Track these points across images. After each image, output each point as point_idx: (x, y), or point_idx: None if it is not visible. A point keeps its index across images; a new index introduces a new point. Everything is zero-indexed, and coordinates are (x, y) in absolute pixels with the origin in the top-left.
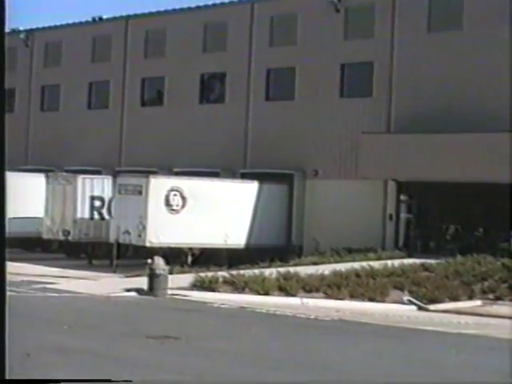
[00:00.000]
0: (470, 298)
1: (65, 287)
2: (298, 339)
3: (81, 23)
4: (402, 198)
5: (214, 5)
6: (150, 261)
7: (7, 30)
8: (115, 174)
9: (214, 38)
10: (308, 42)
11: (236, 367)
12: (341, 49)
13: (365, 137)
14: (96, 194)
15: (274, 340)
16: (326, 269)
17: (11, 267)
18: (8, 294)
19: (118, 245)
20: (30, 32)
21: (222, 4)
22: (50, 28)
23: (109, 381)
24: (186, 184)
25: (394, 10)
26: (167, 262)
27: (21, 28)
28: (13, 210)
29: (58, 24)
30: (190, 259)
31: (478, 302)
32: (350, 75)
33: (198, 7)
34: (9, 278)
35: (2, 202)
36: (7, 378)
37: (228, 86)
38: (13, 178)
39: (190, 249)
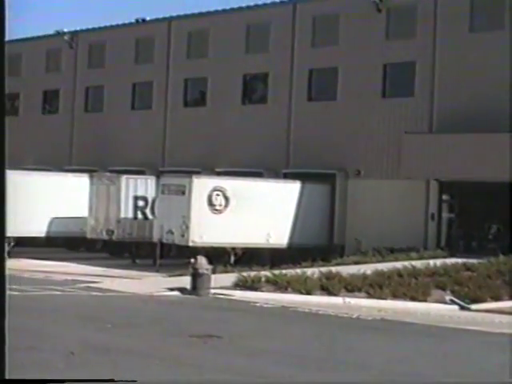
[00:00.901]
0: None
1: (108, 286)
2: (339, 339)
3: (124, 25)
4: (444, 197)
5: (257, 6)
6: (192, 260)
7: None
8: (158, 174)
9: (256, 39)
10: (350, 42)
11: (278, 367)
12: (383, 49)
13: (407, 137)
14: (139, 193)
15: (315, 339)
16: (368, 268)
17: (56, 266)
18: (52, 293)
19: (162, 244)
20: (74, 34)
21: (265, 5)
22: (93, 30)
23: (112, 380)
24: (229, 184)
25: (435, 10)
26: (210, 262)
27: (65, 30)
28: (57, 210)
29: (101, 26)
30: (232, 259)
31: None
32: (392, 75)
33: (241, 8)
34: (53, 277)
35: (2, 202)
36: (17, 377)
37: (270, 86)
38: (57, 179)
39: (233, 248)
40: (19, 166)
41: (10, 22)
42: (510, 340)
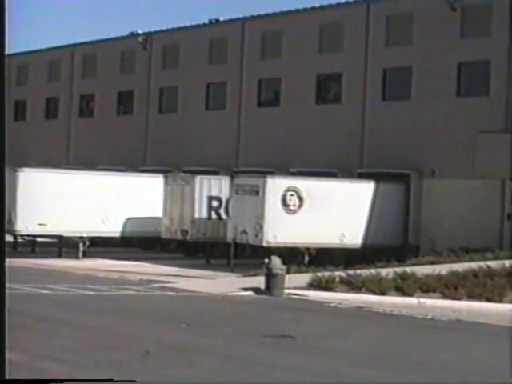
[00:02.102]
0: None
1: (183, 286)
2: (414, 339)
3: (198, 25)
4: None
5: (330, 5)
6: (267, 260)
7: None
8: (233, 175)
9: (330, 39)
10: (424, 41)
11: (352, 367)
12: (457, 48)
13: (482, 136)
14: (214, 194)
15: (390, 340)
16: (442, 269)
17: (131, 266)
18: (127, 293)
19: (236, 244)
20: (148, 35)
21: (338, 4)
22: (167, 31)
23: (112, 381)
24: (303, 184)
25: (511, 8)
26: (284, 262)
27: (139, 31)
28: (131, 211)
29: (175, 27)
30: (306, 259)
31: None
32: (467, 74)
33: (314, 8)
34: (128, 276)
35: (2, 202)
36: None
37: (344, 86)
38: (132, 179)
39: (307, 248)
40: (94, 166)
41: (85, 24)
42: None
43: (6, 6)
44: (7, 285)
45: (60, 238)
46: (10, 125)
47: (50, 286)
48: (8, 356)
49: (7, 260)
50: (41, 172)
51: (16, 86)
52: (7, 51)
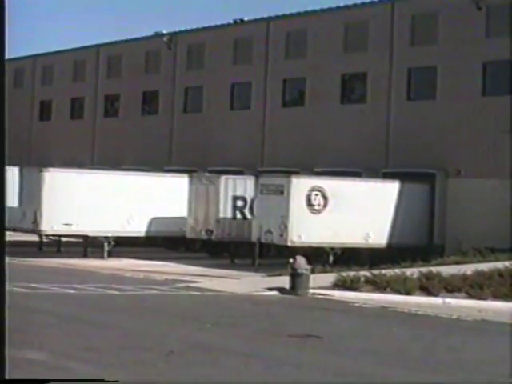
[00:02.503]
0: None
1: (207, 286)
2: (439, 339)
3: (223, 25)
4: None
5: (355, 5)
6: (291, 260)
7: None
8: (257, 174)
9: (354, 38)
10: (449, 40)
11: (378, 367)
12: (482, 47)
13: (507, 135)
14: (238, 193)
15: (415, 340)
16: (468, 269)
17: (155, 266)
18: (152, 292)
19: (261, 244)
20: (173, 35)
21: (363, 4)
22: (192, 31)
23: (114, 381)
24: (328, 184)
25: None
26: (309, 262)
27: (164, 31)
28: (156, 210)
29: (200, 27)
30: (331, 258)
31: None
32: (492, 73)
33: (339, 7)
34: (153, 276)
35: (2, 202)
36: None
37: (369, 85)
38: (157, 179)
39: (332, 248)
40: (119, 166)
41: (110, 25)
42: None
43: (5, 7)
44: (33, 284)
45: (85, 237)
46: (35, 125)
47: (75, 285)
48: (33, 355)
49: (35, 259)
50: (66, 172)
51: (41, 86)
52: (29, 52)
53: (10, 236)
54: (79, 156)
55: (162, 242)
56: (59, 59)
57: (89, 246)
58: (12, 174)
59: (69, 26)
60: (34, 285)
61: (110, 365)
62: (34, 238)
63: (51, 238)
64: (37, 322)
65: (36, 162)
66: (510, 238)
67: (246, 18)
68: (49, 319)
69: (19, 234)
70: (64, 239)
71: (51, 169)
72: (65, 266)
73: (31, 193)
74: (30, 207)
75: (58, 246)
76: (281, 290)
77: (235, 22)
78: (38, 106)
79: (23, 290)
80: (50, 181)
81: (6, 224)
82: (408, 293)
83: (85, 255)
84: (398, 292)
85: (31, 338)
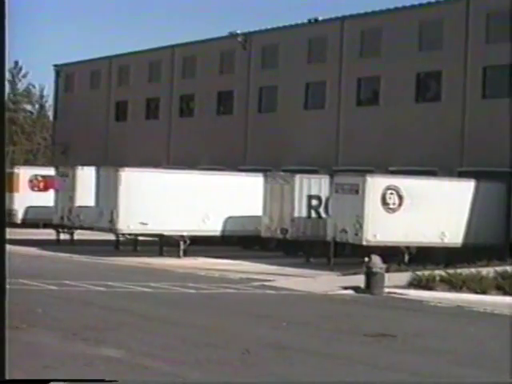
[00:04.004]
0: None
1: (283, 285)
2: None
3: (297, 25)
4: None
5: (429, 3)
6: (366, 259)
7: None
8: (332, 173)
9: (429, 37)
10: None
11: (453, 367)
12: None
13: None
14: (313, 193)
15: (491, 339)
16: None
17: (231, 265)
18: (228, 291)
19: (335, 243)
20: (247, 35)
21: (437, 2)
22: (266, 31)
23: (114, 381)
24: (403, 183)
25: None
26: (384, 261)
27: (238, 31)
28: (231, 209)
29: (274, 26)
30: (406, 258)
31: None
32: None
33: (413, 6)
34: (228, 275)
35: (2, 201)
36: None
37: (444, 84)
38: (232, 179)
39: (407, 247)
40: (194, 166)
41: (184, 25)
42: None
43: (6, 7)
44: (109, 283)
45: (161, 236)
46: (111, 125)
47: (151, 284)
48: (110, 353)
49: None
50: (142, 172)
51: (117, 87)
52: (105, 53)
53: (86, 235)
54: (155, 156)
55: (238, 240)
56: (135, 60)
57: (165, 244)
58: (89, 173)
59: (144, 27)
60: (110, 283)
61: (185, 363)
62: (111, 236)
63: (127, 236)
64: (113, 320)
65: (112, 161)
66: None
67: (320, 18)
68: (125, 317)
69: (96, 233)
70: (140, 238)
71: (127, 168)
72: (141, 264)
73: (108, 192)
74: (107, 207)
75: (135, 244)
76: (356, 289)
77: (309, 21)
78: (114, 107)
79: (100, 288)
80: (127, 180)
81: (83, 223)
82: (484, 292)
83: (161, 254)
84: (474, 291)
85: (108, 335)
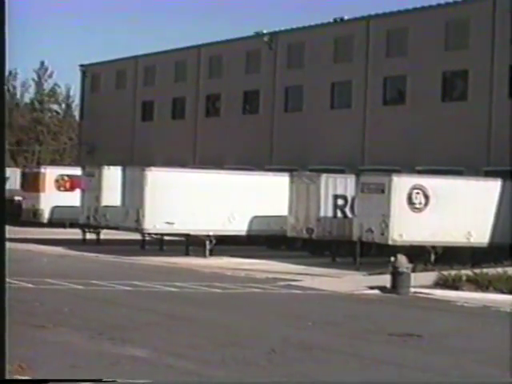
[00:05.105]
0: None
1: (309, 284)
2: None
3: (323, 24)
4: None
5: (456, 2)
6: (392, 259)
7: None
8: (358, 173)
9: (455, 36)
10: None
11: (480, 366)
12: None
13: None
14: (339, 192)
15: None
16: None
17: (257, 264)
18: (253, 290)
19: (361, 243)
20: (273, 35)
21: (464, 1)
22: (292, 30)
23: (115, 381)
24: (429, 182)
25: None
26: (410, 260)
27: (264, 31)
28: (257, 209)
29: (300, 26)
30: (433, 257)
31: None
32: None
33: (439, 5)
34: (254, 274)
35: (2, 201)
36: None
37: (470, 83)
38: (258, 178)
39: (433, 247)
40: (220, 165)
41: (210, 25)
42: None
43: (6, 7)
44: (135, 282)
45: (187, 236)
46: (137, 125)
47: (177, 283)
48: (136, 352)
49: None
50: (168, 171)
51: (143, 86)
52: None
53: (112, 235)
54: (181, 155)
55: (263, 240)
56: (160, 60)
57: (190, 244)
58: (115, 173)
59: (170, 27)
60: (136, 283)
61: (211, 362)
62: (137, 236)
63: (153, 236)
64: (139, 320)
65: (138, 161)
66: None
67: (346, 17)
68: (151, 317)
69: (122, 232)
70: (166, 238)
71: (153, 168)
72: (167, 264)
73: (134, 192)
74: (133, 206)
75: (161, 244)
76: (382, 288)
77: (335, 20)
78: (141, 107)
79: (126, 288)
80: (153, 180)
81: (109, 223)
82: (510, 292)
83: (187, 254)
84: (501, 291)
85: (134, 335)
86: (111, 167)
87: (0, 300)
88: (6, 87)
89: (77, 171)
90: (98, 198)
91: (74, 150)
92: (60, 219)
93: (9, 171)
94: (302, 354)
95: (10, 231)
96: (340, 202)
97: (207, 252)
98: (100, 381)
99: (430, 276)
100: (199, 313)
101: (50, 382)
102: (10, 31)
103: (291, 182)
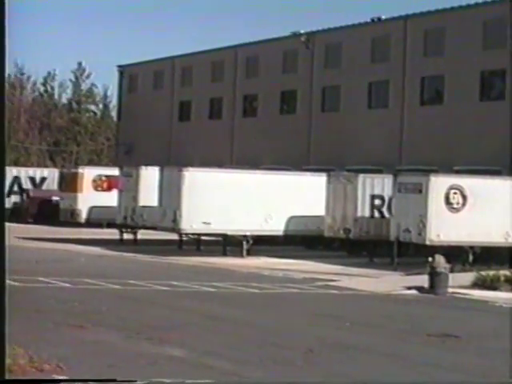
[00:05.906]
0: None
1: (346, 285)
2: None
3: (360, 24)
4: None
5: (493, 1)
6: (430, 259)
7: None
8: (395, 173)
9: (493, 35)
10: None
11: None
12: None
13: None
14: (376, 192)
15: None
16: None
17: (294, 264)
18: (291, 290)
19: (399, 243)
20: (310, 34)
21: (501, 0)
22: (329, 30)
23: (114, 381)
24: (467, 182)
25: None
26: (448, 261)
27: (301, 31)
28: (294, 209)
29: (337, 26)
30: (471, 258)
31: None
32: None
33: (477, 4)
34: (292, 275)
35: (2, 201)
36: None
37: (508, 82)
38: (295, 178)
39: (471, 247)
40: (257, 166)
41: (247, 25)
42: None
43: (5, 8)
44: (173, 282)
45: (224, 236)
46: (175, 125)
47: (215, 283)
48: (173, 352)
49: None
50: (205, 171)
51: (181, 87)
52: (168, 54)
53: (149, 235)
54: (218, 156)
55: (300, 240)
56: (197, 60)
57: (228, 244)
58: (152, 173)
59: (206, 27)
60: (174, 283)
61: (249, 362)
62: (174, 236)
63: (191, 236)
64: (177, 320)
65: (175, 161)
66: None
67: (383, 17)
68: (189, 317)
69: (159, 232)
70: (203, 238)
71: (191, 168)
72: (204, 264)
73: (171, 192)
74: (170, 206)
75: (198, 244)
76: (419, 289)
77: (372, 20)
78: (178, 107)
79: (164, 288)
80: (190, 180)
81: (147, 223)
82: None
83: (224, 254)
84: None
85: (172, 335)
86: (148, 167)
87: (1, 301)
88: (5, 87)
89: (114, 171)
90: (135, 198)
91: (112, 151)
92: (97, 219)
93: (47, 172)
94: (339, 355)
95: (49, 231)
96: (377, 202)
97: (244, 252)
98: (99, 381)
99: (468, 276)
100: (236, 313)
101: (49, 383)
102: (48, 33)
103: (328, 182)
